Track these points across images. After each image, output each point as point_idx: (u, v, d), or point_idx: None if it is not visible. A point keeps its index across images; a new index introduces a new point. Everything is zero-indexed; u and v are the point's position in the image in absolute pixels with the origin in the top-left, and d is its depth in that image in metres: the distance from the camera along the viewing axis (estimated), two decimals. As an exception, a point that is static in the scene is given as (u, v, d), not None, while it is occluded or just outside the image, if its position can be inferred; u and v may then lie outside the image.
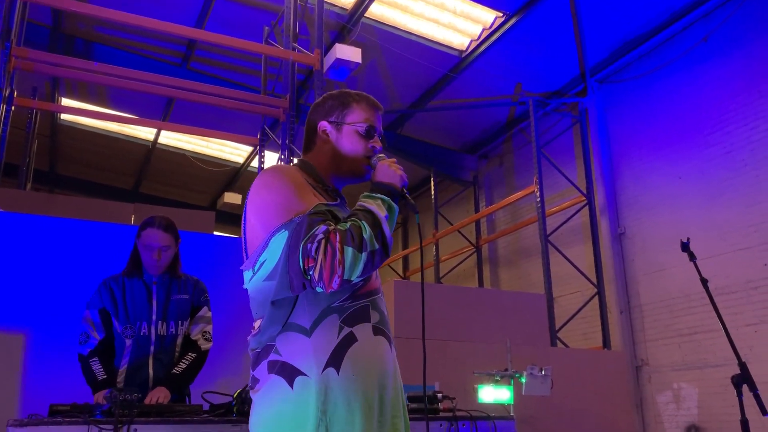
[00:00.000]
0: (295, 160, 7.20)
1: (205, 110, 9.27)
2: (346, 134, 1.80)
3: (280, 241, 1.57)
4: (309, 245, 1.50)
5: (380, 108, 1.88)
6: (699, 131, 7.28)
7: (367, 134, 1.80)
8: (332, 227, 1.53)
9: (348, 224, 1.54)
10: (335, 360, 1.56)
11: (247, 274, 1.69)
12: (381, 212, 1.59)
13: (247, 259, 1.70)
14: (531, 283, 9.47)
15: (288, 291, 1.57)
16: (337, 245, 1.49)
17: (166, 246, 2.88)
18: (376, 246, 1.53)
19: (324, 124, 1.83)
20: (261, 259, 1.62)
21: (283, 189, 1.64)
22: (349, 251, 1.49)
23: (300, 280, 1.54)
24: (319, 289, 1.54)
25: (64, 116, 10.72)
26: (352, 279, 1.52)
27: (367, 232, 1.53)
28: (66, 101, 10.28)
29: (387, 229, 1.57)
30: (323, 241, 1.49)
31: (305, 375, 1.54)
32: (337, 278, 1.49)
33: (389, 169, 1.70)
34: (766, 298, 6.35)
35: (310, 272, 1.50)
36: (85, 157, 12.15)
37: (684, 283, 7.11)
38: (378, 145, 1.81)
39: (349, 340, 1.59)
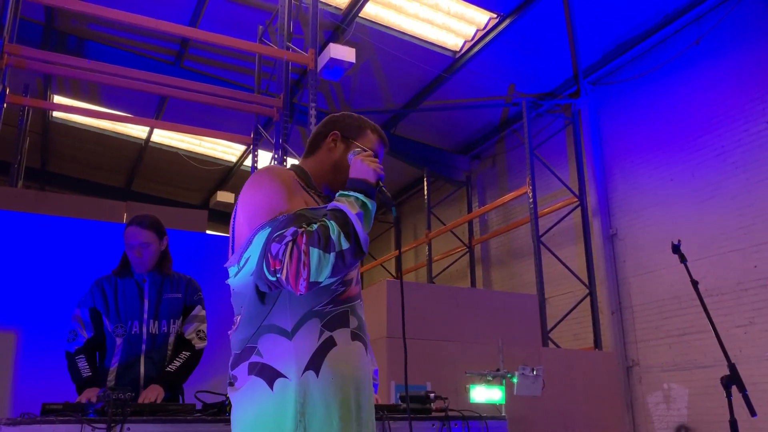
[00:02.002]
0: (289, 160, 7.22)
1: (198, 109, 9.26)
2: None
3: (262, 237, 1.59)
4: (275, 245, 1.52)
5: (386, 145, 1.96)
6: (690, 133, 7.33)
7: None
8: (302, 229, 1.54)
9: (316, 225, 1.55)
10: (315, 363, 1.59)
11: (232, 270, 1.72)
12: (353, 210, 1.60)
13: (233, 254, 1.72)
14: (523, 284, 9.51)
15: (263, 285, 1.59)
16: (303, 247, 1.50)
17: (146, 243, 2.88)
18: (345, 245, 1.53)
19: (336, 134, 1.87)
20: (246, 255, 1.64)
21: (272, 189, 1.67)
22: (315, 253, 1.50)
23: (265, 280, 1.56)
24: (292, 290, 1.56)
25: (56, 113, 10.67)
26: (320, 281, 1.52)
27: (335, 231, 1.53)
28: (58, 98, 10.23)
29: (359, 226, 1.57)
30: (290, 244, 1.51)
31: (285, 377, 1.57)
32: (303, 281, 1.50)
33: (362, 165, 1.71)
34: (756, 299, 6.40)
35: (278, 275, 1.51)
36: (77, 154, 12.10)
37: (674, 284, 7.16)
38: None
39: (329, 345, 1.62)
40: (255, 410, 1.58)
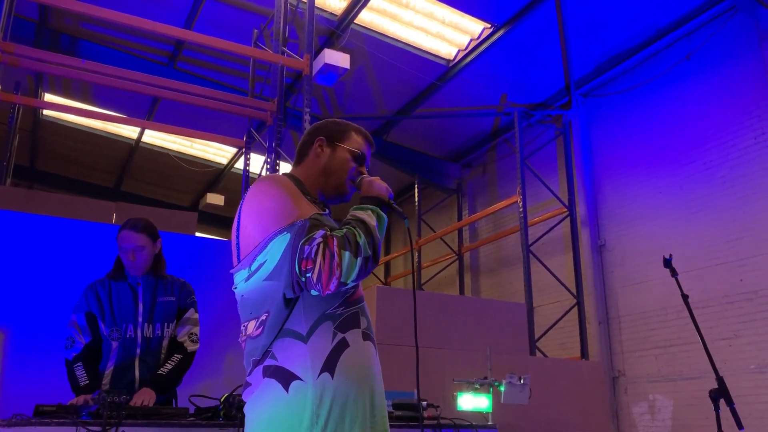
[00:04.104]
0: (282, 164, 7.21)
1: (190, 110, 9.22)
2: (339, 154, 1.92)
3: (281, 242, 1.63)
4: (307, 247, 1.56)
5: (373, 145, 2.02)
6: (680, 147, 7.41)
7: (358, 160, 1.92)
8: (329, 232, 1.60)
9: (344, 230, 1.62)
10: (330, 365, 1.62)
11: (241, 275, 1.73)
12: (371, 221, 1.68)
13: (239, 262, 1.73)
14: (511, 292, 9.55)
15: (290, 291, 1.63)
16: (335, 249, 1.56)
17: (140, 246, 2.89)
18: (369, 252, 1.61)
19: (322, 140, 1.93)
20: (259, 259, 1.67)
21: (280, 196, 1.72)
22: (346, 255, 1.56)
23: (295, 281, 1.60)
24: (314, 292, 1.60)
25: (46, 111, 10.60)
26: (347, 282, 1.58)
27: (361, 238, 1.61)
28: (49, 97, 10.16)
29: (378, 237, 1.67)
30: (321, 245, 1.56)
31: (301, 380, 1.60)
32: (335, 280, 1.55)
33: (375, 183, 1.82)
34: (741, 312, 6.48)
35: (308, 274, 1.55)
36: (67, 153, 12.01)
37: (661, 295, 7.22)
38: (365, 172, 1.94)
39: (342, 346, 1.66)
40: (269, 412, 1.61)
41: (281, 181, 1.79)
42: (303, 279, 1.57)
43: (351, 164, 1.91)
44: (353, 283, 1.62)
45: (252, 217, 1.73)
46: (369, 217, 1.69)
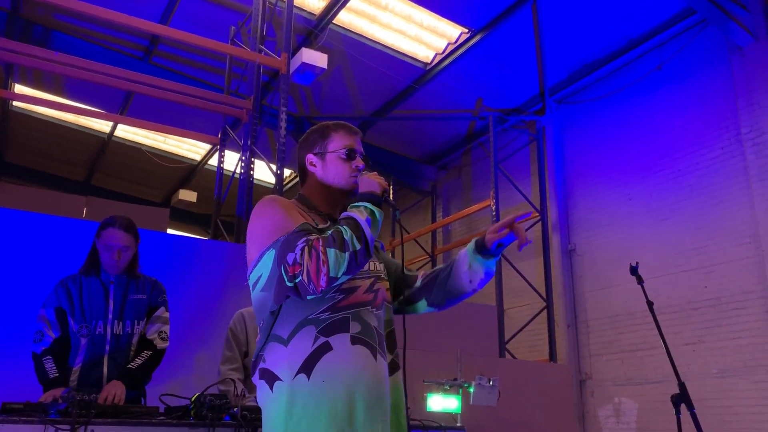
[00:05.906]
0: (257, 162, 7.18)
1: (164, 106, 9.12)
2: (330, 161, 1.97)
3: (269, 257, 1.75)
4: (290, 254, 1.66)
5: (358, 132, 2.05)
6: (650, 155, 7.56)
7: (349, 156, 1.96)
8: (314, 236, 1.70)
9: (330, 231, 1.71)
10: (307, 367, 1.69)
11: (251, 287, 1.87)
12: (361, 216, 1.74)
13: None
14: (482, 295, 9.62)
15: (274, 303, 1.76)
16: (320, 248, 1.65)
17: (126, 246, 2.88)
18: (358, 246, 1.68)
19: (310, 157, 1.99)
20: (257, 273, 1.80)
21: (272, 214, 1.82)
22: (332, 252, 1.64)
23: (284, 290, 1.69)
24: (310, 297, 1.68)
25: (16, 103, 10.40)
26: (338, 276, 1.66)
27: (347, 234, 1.68)
28: (20, 88, 9.97)
29: (368, 230, 1.72)
30: (306, 248, 1.65)
31: (281, 380, 1.70)
32: (323, 276, 1.63)
33: (368, 179, 1.87)
34: (705, 318, 6.64)
35: (299, 277, 1.64)
36: (37, 145, 11.79)
37: (628, 300, 7.36)
38: (360, 164, 1.97)
39: (324, 349, 1.72)
40: (263, 411, 1.75)
41: (275, 199, 1.88)
42: (293, 284, 1.65)
43: (345, 164, 1.95)
44: (346, 277, 1.69)
45: (249, 235, 1.86)
46: (360, 213, 1.75)
